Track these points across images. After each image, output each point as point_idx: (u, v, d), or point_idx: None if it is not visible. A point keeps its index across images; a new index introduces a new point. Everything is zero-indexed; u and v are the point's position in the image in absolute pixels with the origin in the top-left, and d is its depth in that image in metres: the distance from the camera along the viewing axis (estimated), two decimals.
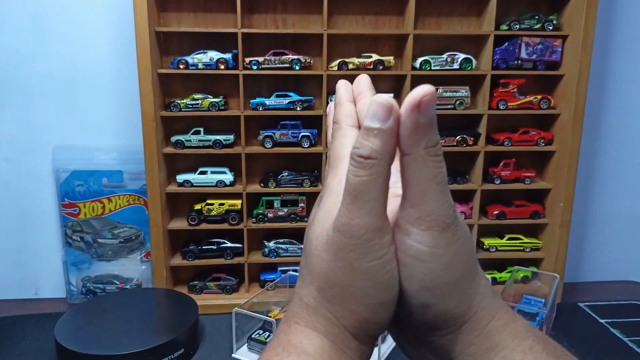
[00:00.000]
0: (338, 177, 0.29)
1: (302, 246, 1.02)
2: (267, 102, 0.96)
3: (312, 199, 1.03)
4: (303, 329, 0.27)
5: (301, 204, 1.01)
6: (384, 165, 0.25)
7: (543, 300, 0.98)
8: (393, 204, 0.28)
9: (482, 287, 0.28)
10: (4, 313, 0.99)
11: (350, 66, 0.97)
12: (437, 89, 0.98)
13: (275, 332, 0.28)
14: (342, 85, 0.33)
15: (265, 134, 0.98)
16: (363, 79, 0.33)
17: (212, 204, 1.00)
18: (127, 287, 1.04)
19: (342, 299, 0.26)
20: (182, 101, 0.95)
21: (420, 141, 0.24)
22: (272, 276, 1.03)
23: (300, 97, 0.97)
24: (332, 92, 1.00)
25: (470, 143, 1.00)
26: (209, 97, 0.96)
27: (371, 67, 0.97)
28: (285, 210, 1.01)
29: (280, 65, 0.95)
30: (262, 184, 1.00)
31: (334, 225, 0.26)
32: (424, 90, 0.24)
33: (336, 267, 0.26)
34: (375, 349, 0.84)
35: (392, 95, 0.25)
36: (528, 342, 0.27)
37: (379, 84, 1.02)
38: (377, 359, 0.83)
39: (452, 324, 0.27)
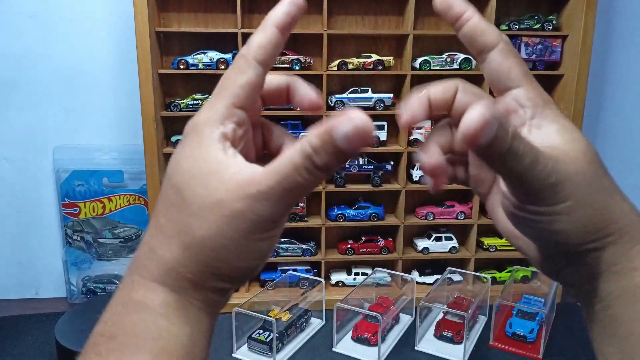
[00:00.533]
0: (216, 116, 0.26)
1: (302, 246, 1.03)
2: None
3: (312, 198, 1.03)
4: (149, 283, 0.25)
5: (301, 204, 1.01)
6: (322, 179, 0.24)
7: (543, 300, 0.98)
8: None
9: (624, 212, 0.27)
10: (4, 313, 0.99)
11: (350, 66, 0.97)
12: None
13: (118, 288, 0.26)
14: (285, 2, 0.27)
15: None
16: None
17: None
18: None
19: (209, 259, 0.24)
20: (183, 101, 0.95)
21: (492, 155, 0.24)
22: (272, 276, 1.04)
23: None
24: (332, 92, 1.00)
25: None
26: (209, 97, 0.96)
27: (371, 67, 0.97)
28: None
29: (280, 66, 0.95)
30: None
31: (246, 195, 0.24)
32: (472, 125, 0.22)
33: (221, 232, 0.24)
34: (375, 349, 0.84)
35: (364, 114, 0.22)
36: None
37: (379, 84, 1.03)
38: (377, 359, 0.83)
39: (590, 247, 0.27)
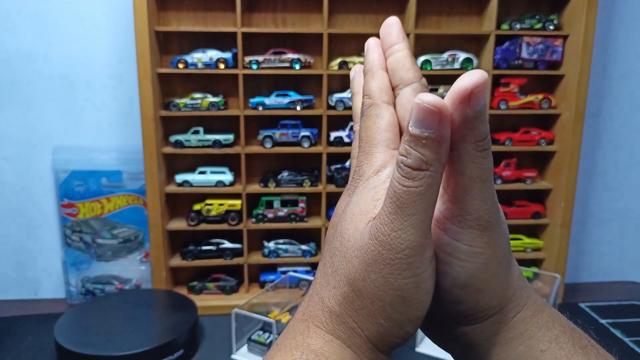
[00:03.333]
0: (375, 166, 0.26)
1: (302, 247, 1.02)
2: (267, 101, 0.96)
3: (312, 199, 1.03)
4: (325, 334, 0.25)
5: (301, 204, 1.01)
6: (434, 176, 0.22)
7: None
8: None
9: (515, 280, 0.27)
10: (4, 313, 0.99)
11: (351, 65, 0.97)
12: (437, 89, 0.99)
13: (290, 330, 0.26)
14: (373, 46, 0.29)
15: (265, 133, 0.97)
16: (393, 27, 0.29)
17: (211, 204, 0.99)
18: (127, 287, 1.04)
19: (370, 312, 0.24)
20: (182, 101, 0.95)
21: (467, 136, 0.22)
22: (272, 277, 1.03)
23: (301, 97, 0.97)
24: (332, 91, 1.00)
25: None
26: (208, 97, 0.96)
27: None
28: (285, 210, 1.01)
29: (280, 65, 0.94)
30: (261, 184, 1.00)
31: (370, 231, 0.24)
32: (475, 78, 0.21)
33: (368, 277, 0.24)
34: None
35: (439, 90, 0.26)
36: (554, 332, 0.27)
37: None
38: None
39: (480, 316, 0.26)
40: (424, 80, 0.28)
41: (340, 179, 1.00)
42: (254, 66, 0.94)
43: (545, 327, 0.27)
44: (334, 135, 0.99)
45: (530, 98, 1.00)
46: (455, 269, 0.25)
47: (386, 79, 0.28)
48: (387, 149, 0.27)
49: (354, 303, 0.24)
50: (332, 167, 1.00)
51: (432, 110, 0.21)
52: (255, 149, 0.98)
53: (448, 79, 1.00)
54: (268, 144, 0.98)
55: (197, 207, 1.00)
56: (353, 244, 0.24)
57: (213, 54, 0.93)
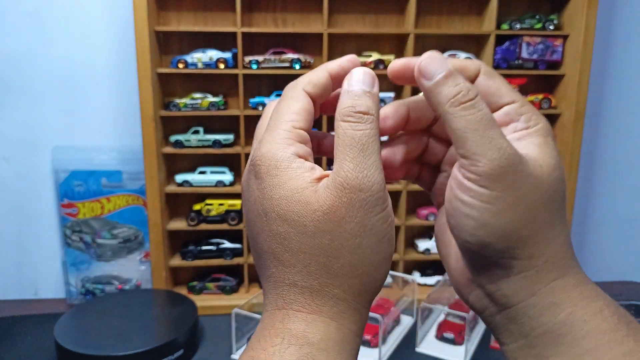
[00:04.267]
0: (283, 144, 0.27)
1: None
2: (267, 101, 0.96)
3: None
4: (307, 315, 0.25)
5: None
6: (376, 121, 0.27)
7: None
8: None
9: (557, 242, 0.26)
10: (3, 313, 0.99)
11: None
12: None
13: (267, 321, 0.26)
14: (348, 59, 0.32)
15: None
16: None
17: (211, 204, 0.99)
18: (127, 287, 1.04)
19: (351, 265, 0.25)
20: (182, 101, 0.95)
21: (440, 99, 0.26)
22: None
23: None
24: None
25: None
26: (208, 97, 0.96)
27: (372, 66, 0.97)
28: None
29: (280, 65, 0.94)
30: None
31: (333, 187, 0.25)
32: (422, 57, 0.27)
33: (343, 232, 0.25)
34: (376, 351, 0.83)
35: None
36: (598, 304, 0.26)
37: (380, 83, 1.02)
38: (378, 359, 0.83)
39: (512, 265, 0.26)
40: (483, 62, 0.32)
41: None
42: (254, 66, 0.94)
43: (588, 298, 0.26)
44: None
45: (530, 98, 1.00)
46: (478, 212, 0.25)
47: (324, 79, 0.30)
48: (293, 128, 0.27)
49: (331, 269, 0.25)
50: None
51: (371, 74, 0.28)
52: None
53: None
54: None
55: (197, 207, 1.00)
56: (309, 215, 0.25)
57: (213, 54, 0.93)
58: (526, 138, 0.27)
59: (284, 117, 0.27)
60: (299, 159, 0.26)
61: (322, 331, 0.25)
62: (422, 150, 0.33)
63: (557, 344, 0.25)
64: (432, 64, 0.26)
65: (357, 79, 0.27)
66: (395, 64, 0.30)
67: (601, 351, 0.24)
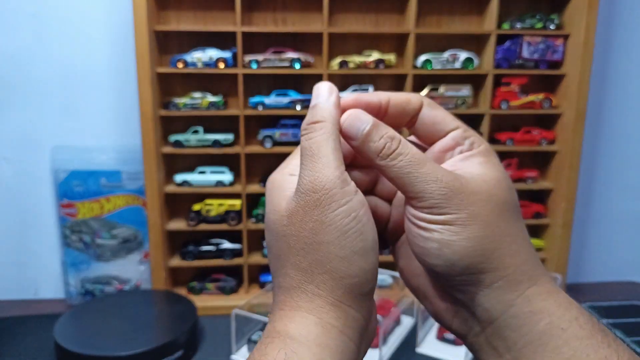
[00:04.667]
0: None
1: None
2: (267, 101, 0.96)
3: None
4: (287, 312, 0.27)
5: None
6: (330, 126, 0.28)
7: None
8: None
9: (522, 252, 0.28)
10: (3, 313, 0.98)
11: (351, 65, 0.96)
12: (438, 88, 0.98)
13: (266, 327, 0.29)
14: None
15: (265, 133, 0.97)
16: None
17: (211, 204, 0.99)
18: (126, 288, 1.04)
19: (318, 262, 0.26)
20: (181, 100, 0.95)
21: (369, 156, 0.28)
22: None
23: (301, 96, 0.97)
24: None
25: None
26: (208, 96, 0.95)
27: (372, 65, 0.97)
28: None
29: (280, 64, 0.94)
30: (261, 184, 1.00)
31: (295, 192, 0.27)
32: (343, 117, 0.28)
33: (305, 231, 0.27)
34: (376, 351, 0.83)
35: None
36: (573, 312, 0.27)
37: (380, 83, 1.02)
38: None
39: (482, 279, 0.27)
40: (424, 96, 0.32)
41: None
42: (254, 65, 0.93)
43: (563, 307, 0.27)
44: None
45: (531, 98, 1.00)
46: (439, 233, 0.27)
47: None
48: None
49: (301, 267, 0.27)
50: None
51: (328, 87, 0.29)
52: (255, 148, 0.98)
53: (449, 79, 0.99)
54: (268, 144, 0.97)
55: (196, 207, 1.00)
56: (278, 222, 0.28)
57: (213, 53, 0.93)
58: (470, 158, 0.29)
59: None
60: (293, 176, 0.29)
61: (301, 325, 0.26)
62: (372, 183, 0.33)
63: (540, 352, 0.26)
64: (354, 122, 0.28)
65: (315, 95, 0.30)
66: (346, 103, 0.30)
67: (579, 357, 0.26)
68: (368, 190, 0.32)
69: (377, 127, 0.28)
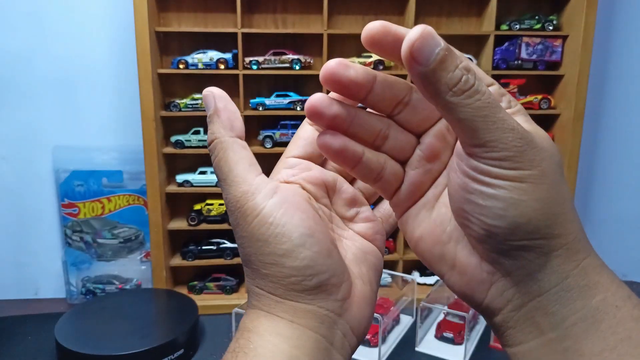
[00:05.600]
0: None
1: None
2: (267, 102, 0.96)
3: None
4: (248, 311, 0.29)
5: None
6: (225, 140, 0.28)
7: None
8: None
9: (577, 219, 0.25)
10: (4, 313, 0.99)
11: None
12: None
13: None
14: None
15: (265, 134, 0.98)
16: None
17: (212, 204, 0.99)
18: (127, 287, 1.04)
19: (254, 270, 0.28)
20: (182, 101, 0.95)
21: (439, 88, 0.22)
22: None
23: (301, 97, 0.97)
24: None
25: None
26: None
27: (371, 67, 0.97)
28: None
29: (280, 65, 0.95)
30: None
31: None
32: (412, 35, 0.22)
33: (240, 246, 0.28)
34: (375, 350, 0.83)
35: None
36: (626, 290, 0.25)
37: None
38: (378, 359, 0.83)
39: (543, 245, 0.24)
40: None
41: None
42: (254, 67, 0.94)
43: (616, 283, 0.25)
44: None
45: (529, 98, 1.00)
46: (507, 191, 0.23)
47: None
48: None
49: (248, 273, 0.29)
50: None
51: (210, 95, 0.29)
52: (255, 149, 0.98)
53: None
54: (268, 144, 0.98)
55: (197, 206, 1.00)
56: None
57: (213, 55, 0.93)
58: (517, 115, 0.26)
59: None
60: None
61: (254, 318, 0.28)
62: (377, 136, 0.28)
63: (592, 331, 0.24)
64: (426, 44, 0.22)
65: (205, 107, 0.30)
66: (373, 28, 0.25)
67: (635, 339, 0.23)
68: (377, 146, 0.28)
69: (452, 53, 0.23)
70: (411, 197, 0.29)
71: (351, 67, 0.26)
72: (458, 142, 0.25)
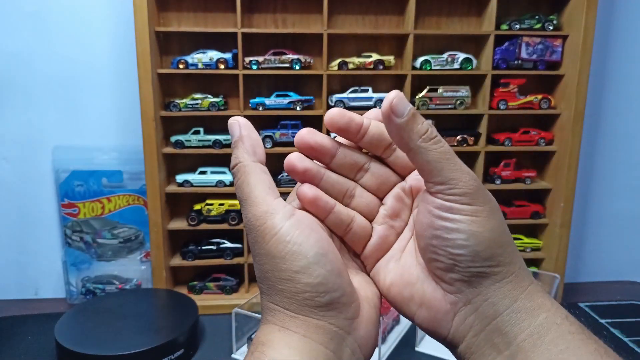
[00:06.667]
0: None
1: None
2: (267, 102, 0.96)
3: None
4: (261, 327, 0.31)
5: None
6: (248, 164, 0.31)
7: None
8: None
9: (519, 255, 0.30)
10: (4, 313, 0.99)
11: (351, 66, 0.97)
12: (437, 89, 0.99)
13: None
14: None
15: (265, 134, 0.98)
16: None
17: (211, 204, 0.99)
18: (127, 287, 1.04)
19: (270, 286, 0.30)
20: (182, 101, 0.95)
21: (411, 136, 0.28)
22: None
23: (300, 97, 0.97)
24: (332, 92, 1.00)
25: (471, 143, 1.00)
26: (208, 97, 0.96)
27: (371, 67, 0.97)
28: None
29: (280, 65, 0.95)
30: None
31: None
32: (390, 96, 0.28)
33: (257, 263, 0.30)
34: (376, 350, 0.84)
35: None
36: (563, 311, 0.29)
37: (380, 84, 1.02)
38: (378, 359, 0.83)
39: (497, 272, 0.29)
40: None
41: None
42: (254, 66, 0.94)
43: (556, 305, 0.30)
44: (333, 136, 0.99)
45: (529, 98, 1.00)
46: (466, 225, 0.28)
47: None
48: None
49: (262, 289, 0.31)
50: None
51: (232, 123, 0.32)
52: None
53: (447, 79, 1.00)
54: (268, 144, 0.98)
55: (197, 207, 1.00)
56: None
57: (213, 55, 0.93)
58: None
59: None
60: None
61: (268, 333, 0.29)
62: (345, 194, 0.33)
63: (539, 344, 0.28)
64: (401, 102, 0.28)
65: (230, 134, 0.33)
66: (333, 115, 0.32)
67: (573, 349, 0.27)
68: (346, 204, 0.33)
69: (418, 113, 0.29)
70: (379, 249, 0.34)
71: (318, 135, 0.32)
72: (422, 192, 0.30)
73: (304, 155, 0.32)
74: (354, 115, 0.32)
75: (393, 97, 0.28)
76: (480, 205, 0.28)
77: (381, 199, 0.34)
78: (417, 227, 0.31)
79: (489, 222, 0.28)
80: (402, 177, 0.34)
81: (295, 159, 0.32)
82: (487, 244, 0.28)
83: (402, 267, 0.33)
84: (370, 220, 0.34)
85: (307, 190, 0.32)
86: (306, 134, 0.32)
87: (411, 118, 0.28)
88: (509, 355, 0.28)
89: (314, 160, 0.33)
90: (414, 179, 0.33)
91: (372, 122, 0.32)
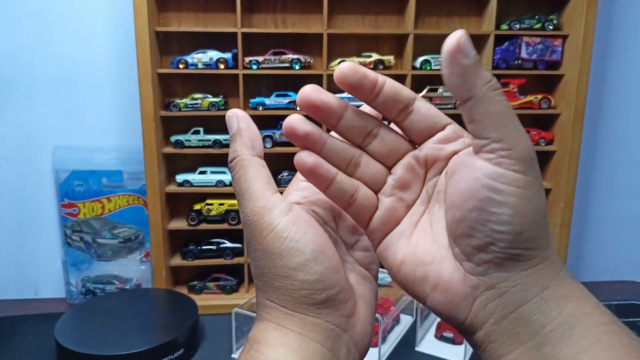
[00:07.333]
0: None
1: None
2: (267, 101, 0.96)
3: None
4: (256, 324, 0.30)
5: None
6: (246, 158, 0.30)
7: None
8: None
9: (551, 236, 0.28)
10: (4, 313, 0.99)
11: None
12: (437, 89, 0.99)
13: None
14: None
15: (265, 133, 0.98)
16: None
17: (211, 204, 0.99)
18: (127, 287, 1.04)
19: (266, 282, 0.29)
20: (182, 101, 0.95)
21: (476, 81, 0.25)
22: None
23: None
24: (332, 92, 1.00)
25: None
26: (208, 97, 0.96)
27: (371, 66, 0.97)
28: None
29: (280, 65, 0.95)
30: None
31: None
32: (457, 35, 0.25)
33: (253, 259, 0.29)
34: (375, 350, 0.83)
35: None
36: (594, 299, 0.27)
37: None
38: (378, 359, 0.83)
39: (533, 256, 0.26)
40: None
41: None
42: (254, 66, 0.94)
43: (586, 293, 0.27)
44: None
45: (529, 98, 1.00)
46: (516, 197, 0.25)
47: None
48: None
49: (259, 286, 0.30)
50: None
51: (230, 116, 0.32)
52: None
53: None
54: (268, 144, 0.98)
55: (197, 206, 1.00)
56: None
57: (213, 54, 0.93)
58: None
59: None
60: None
61: (264, 330, 0.29)
62: (350, 163, 0.30)
63: (568, 336, 0.25)
64: (468, 42, 0.25)
65: (228, 127, 0.32)
66: (344, 70, 0.28)
67: (605, 341, 0.25)
68: (349, 173, 0.30)
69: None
70: (387, 222, 0.31)
71: (324, 92, 0.29)
72: (466, 155, 0.27)
73: (307, 116, 0.29)
74: (368, 70, 0.28)
75: (460, 35, 0.25)
76: (533, 178, 0.25)
77: (390, 168, 0.31)
78: (453, 197, 0.27)
79: (537, 199, 0.25)
80: (414, 146, 0.30)
81: (295, 121, 0.29)
82: (531, 224, 0.25)
83: (414, 244, 0.29)
84: (377, 192, 0.31)
85: (306, 157, 0.29)
86: (311, 91, 0.28)
87: (478, 61, 0.25)
88: (533, 347, 0.26)
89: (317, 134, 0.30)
90: (431, 147, 0.29)
91: (388, 79, 0.29)
